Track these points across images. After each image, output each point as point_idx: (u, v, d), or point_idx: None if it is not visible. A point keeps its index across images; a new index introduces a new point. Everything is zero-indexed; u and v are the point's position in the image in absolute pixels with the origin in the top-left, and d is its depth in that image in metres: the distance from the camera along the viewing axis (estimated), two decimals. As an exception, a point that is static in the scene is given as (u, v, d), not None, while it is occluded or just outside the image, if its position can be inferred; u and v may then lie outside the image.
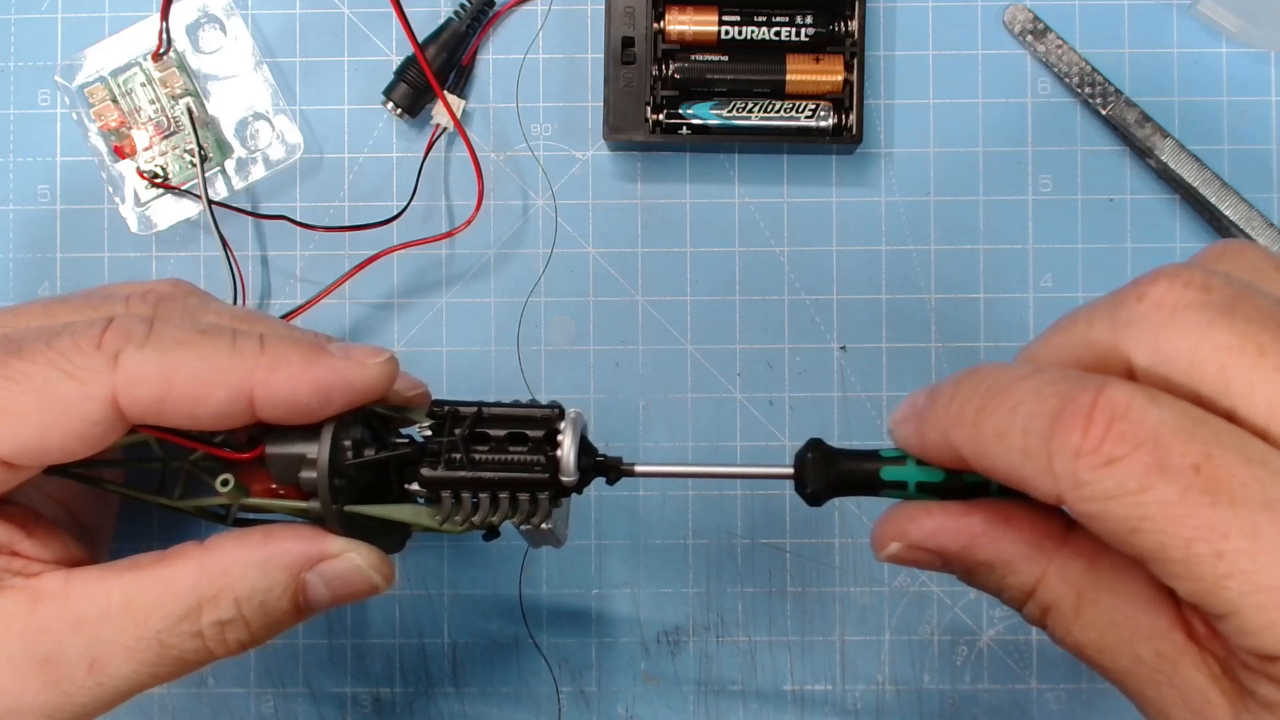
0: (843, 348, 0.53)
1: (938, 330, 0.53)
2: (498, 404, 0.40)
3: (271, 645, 0.53)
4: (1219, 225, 0.53)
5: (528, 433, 0.39)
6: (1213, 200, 0.53)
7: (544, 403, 0.40)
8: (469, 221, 0.51)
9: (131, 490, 0.41)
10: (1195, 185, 0.53)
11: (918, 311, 0.53)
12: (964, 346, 0.53)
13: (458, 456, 0.38)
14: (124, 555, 0.38)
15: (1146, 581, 0.33)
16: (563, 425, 0.39)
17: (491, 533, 0.40)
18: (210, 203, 0.52)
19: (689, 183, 0.54)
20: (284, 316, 0.52)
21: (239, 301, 0.53)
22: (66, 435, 0.35)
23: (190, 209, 0.53)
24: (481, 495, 0.38)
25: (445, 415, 0.39)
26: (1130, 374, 0.32)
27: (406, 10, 0.51)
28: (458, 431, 0.38)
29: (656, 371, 0.53)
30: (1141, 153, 0.53)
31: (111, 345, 0.36)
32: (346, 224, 0.53)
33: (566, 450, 0.38)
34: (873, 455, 0.38)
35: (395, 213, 0.52)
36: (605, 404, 0.53)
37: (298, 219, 0.53)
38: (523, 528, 0.39)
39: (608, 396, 0.53)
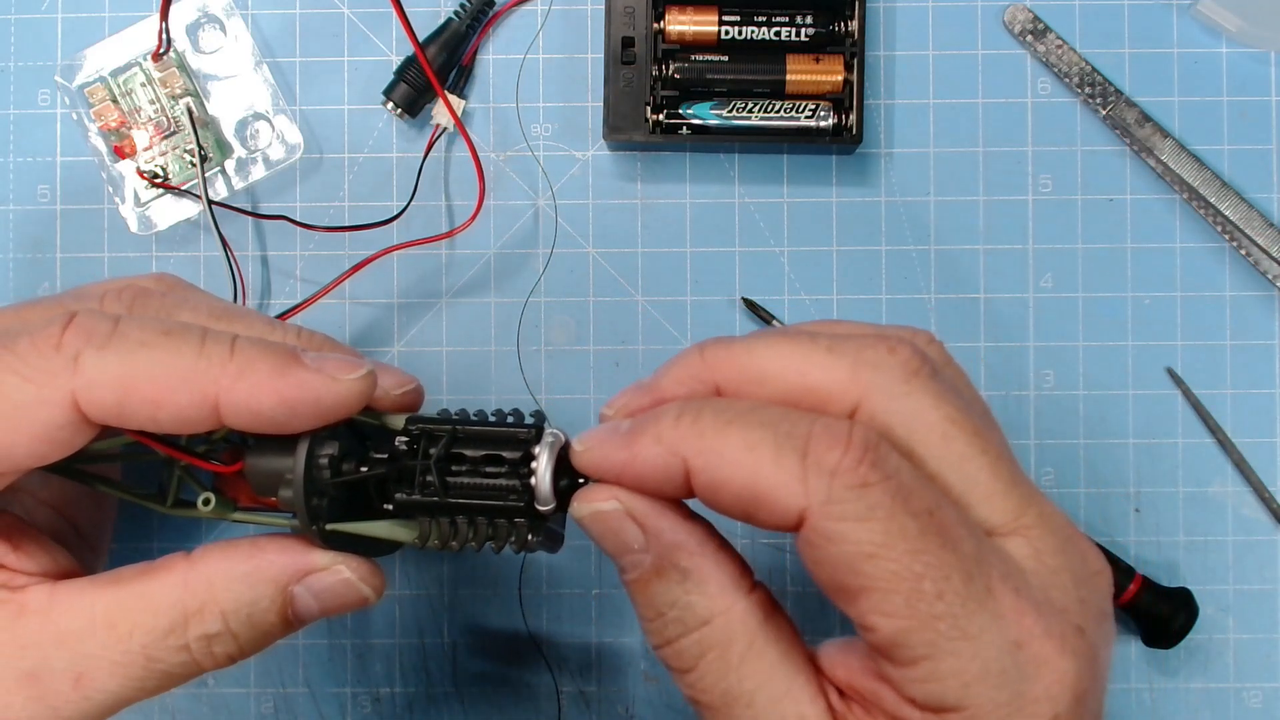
0: (843, 348, 0.53)
1: (938, 330, 0.53)
2: (474, 421, 0.38)
3: (271, 645, 0.53)
4: (1219, 225, 0.53)
5: (504, 454, 0.37)
6: (1213, 200, 0.53)
7: (528, 413, 0.38)
8: (469, 221, 0.51)
9: (126, 494, 0.40)
10: (1195, 185, 0.53)
11: (918, 311, 0.53)
12: (964, 346, 0.53)
13: (431, 481, 0.36)
14: (128, 554, 0.38)
15: (799, 646, 0.35)
16: (538, 450, 0.36)
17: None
18: (210, 203, 0.52)
19: (689, 183, 0.54)
20: (281, 315, 0.52)
21: (240, 302, 0.53)
22: (31, 440, 0.34)
23: (190, 209, 0.53)
24: (459, 519, 0.37)
25: (420, 435, 0.37)
26: (852, 412, 0.34)
27: (407, 10, 0.50)
28: (432, 452, 0.37)
29: (656, 371, 0.53)
30: (1141, 153, 0.53)
31: (71, 346, 0.34)
32: (346, 224, 0.53)
33: (542, 477, 0.36)
34: None
35: (395, 213, 0.52)
36: (605, 404, 0.53)
37: (298, 219, 0.53)
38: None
39: (608, 397, 0.53)
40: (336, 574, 0.37)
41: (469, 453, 0.37)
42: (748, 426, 0.33)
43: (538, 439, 0.37)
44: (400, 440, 0.37)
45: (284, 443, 0.36)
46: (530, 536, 0.37)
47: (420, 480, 0.37)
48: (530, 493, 0.36)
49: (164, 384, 0.34)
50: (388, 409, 0.39)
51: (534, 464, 0.36)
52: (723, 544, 0.35)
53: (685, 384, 0.36)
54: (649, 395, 0.36)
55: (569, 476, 0.37)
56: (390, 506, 0.37)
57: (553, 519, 0.38)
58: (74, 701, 0.36)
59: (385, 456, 0.38)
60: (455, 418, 0.38)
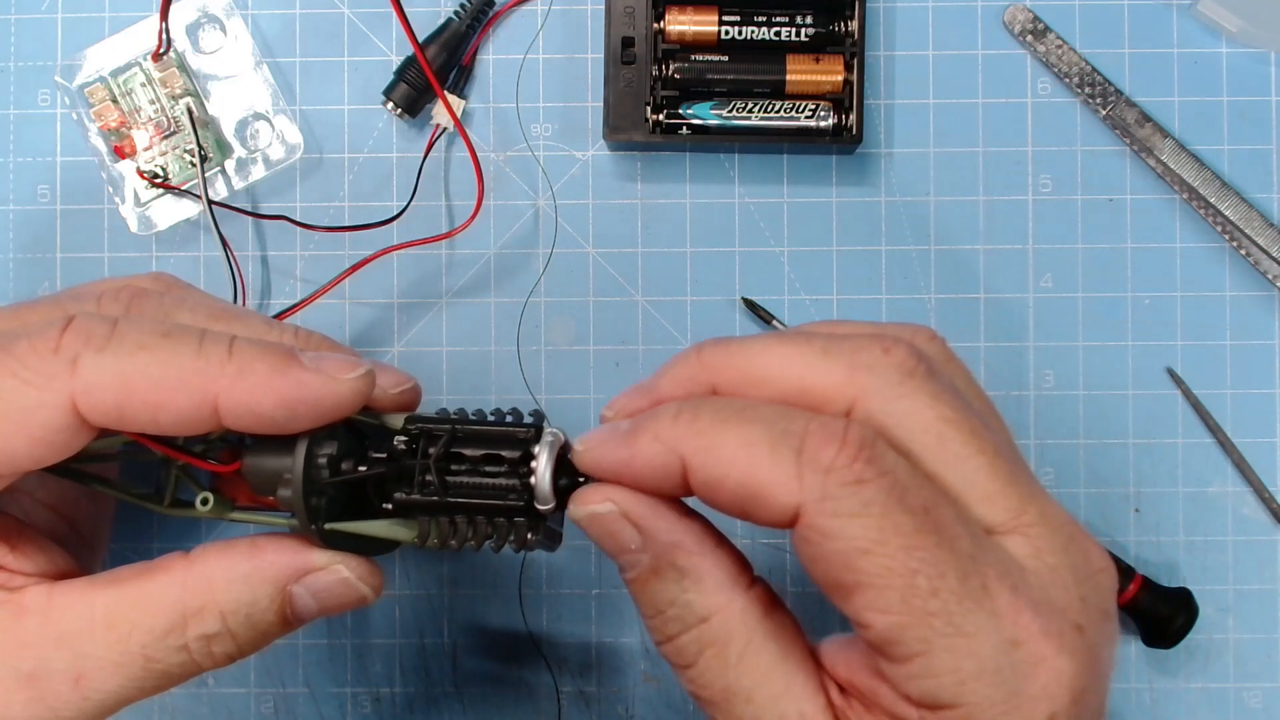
0: (843, 348, 0.53)
1: (938, 330, 0.53)
2: (473, 420, 0.38)
3: (271, 645, 0.53)
4: (1219, 225, 0.53)
5: (503, 454, 0.37)
6: (1213, 200, 0.53)
7: (527, 412, 0.38)
8: (469, 221, 0.51)
9: (124, 494, 0.40)
10: (1195, 185, 0.53)
11: (918, 312, 0.53)
12: (964, 346, 0.53)
13: (430, 480, 0.36)
14: (127, 555, 0.38)
15: (801, 642, 0.35)
16: (538, 449, 0.37)
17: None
18: (210, 203, 0.52)
19: (689, 183, 0.54)
20: (279, 315, 0.52)
21: (239, 302, 0.53)
22: (30, 443, 0.34)
23: (190, 209, 0.53)
24: (458, 518, 0.37)
25: (419, 434, 0.37)
26: (848, 413, 0.34)
27: (407, 10, 0.51)
28: (431, 451, 0.37)
29: (656, 371, 0.53)
30: (1141, 153, 0.53)
31: (69, 349, 0.34)
32: (346, 224, 0.53)
33: (541, 476, 0.36)
34: None
35: (395, 213, 0.52)
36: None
37: (298, 219, 0.53)
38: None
39: (608, 397, 0.53)
40: (335, 573, 0.37)
41: (468, 452, 0.37)
42: (744, 424, 0.33)
43: (537, 438, 0.37)
44: (399, 440, 0.37)
45: (282, 442, 0.36)
46: (530, 535, 0.37)
47: (419, 480, 0.37)
48: (530, 492, 0.36)
49: (163, 386, 0.34)
50: (386, 408, 0.39)
51: (533, 463, 0.36)
52: (720, 541, 0.36)
53: (683, 385, 0.36)
54: (647, 396, 0.37)
55: (568, 475, 0.37)
56: (389, 506, 0.37)
57: (552, 518, 0.38)
58: (73, 702, 0.36)
59: (384, 456, 0.38)
60: (454, 417, 0.38)
